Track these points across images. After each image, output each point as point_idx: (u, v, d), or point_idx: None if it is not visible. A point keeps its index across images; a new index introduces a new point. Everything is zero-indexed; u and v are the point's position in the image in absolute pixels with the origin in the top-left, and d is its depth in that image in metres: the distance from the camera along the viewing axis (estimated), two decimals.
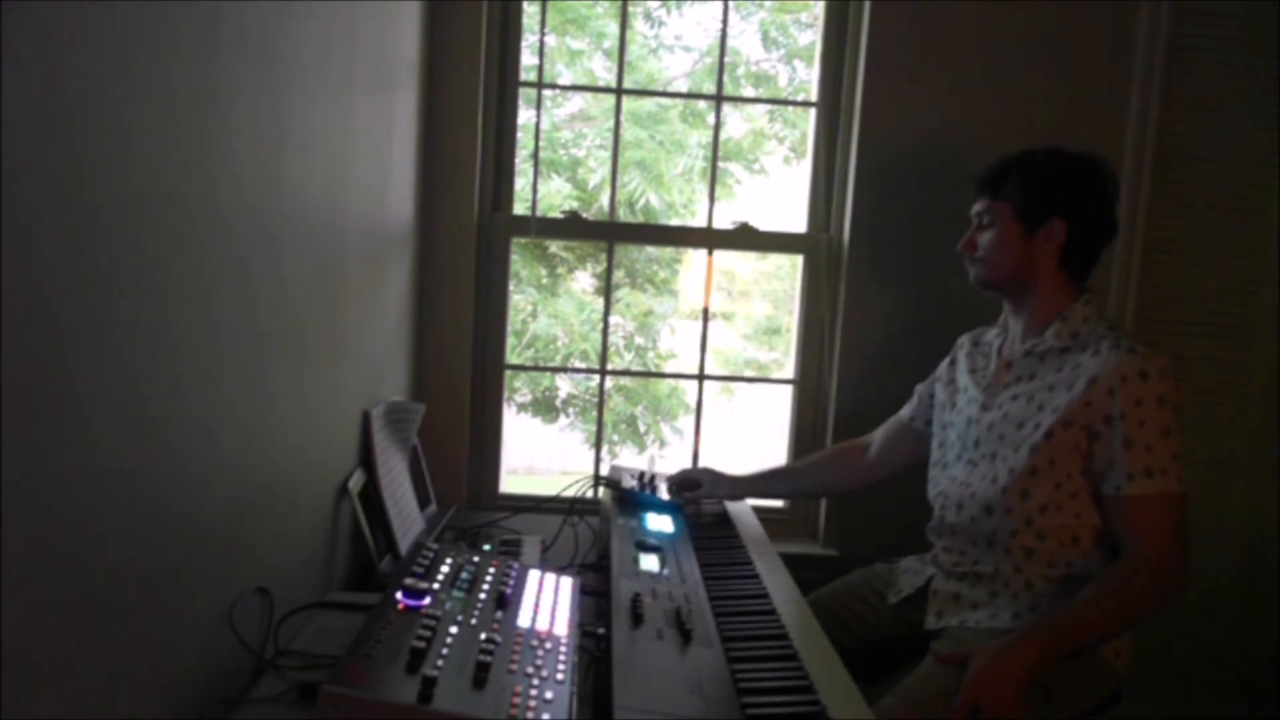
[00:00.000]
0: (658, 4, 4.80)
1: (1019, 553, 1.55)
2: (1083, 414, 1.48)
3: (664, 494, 1.95)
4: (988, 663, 1.34)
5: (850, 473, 1.95)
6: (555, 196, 4.75)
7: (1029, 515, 1.53)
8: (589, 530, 1.98)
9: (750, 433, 5.18)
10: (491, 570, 1.29)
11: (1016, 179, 1.59)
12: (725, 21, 2.40)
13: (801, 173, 2.50)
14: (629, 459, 5.05)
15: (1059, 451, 1.50)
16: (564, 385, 5.22)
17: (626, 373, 5.37)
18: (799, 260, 2.41)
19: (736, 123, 4.99)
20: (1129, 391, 1.45)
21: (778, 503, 2.41)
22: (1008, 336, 1.68)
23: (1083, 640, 1.42)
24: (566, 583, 1.34)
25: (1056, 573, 1.53)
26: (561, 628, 1.19)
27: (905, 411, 1.89)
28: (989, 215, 1.62)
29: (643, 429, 5.14)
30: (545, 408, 5.21)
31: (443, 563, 1.26)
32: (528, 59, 2.41)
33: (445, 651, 1.02)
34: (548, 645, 1.12)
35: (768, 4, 4.76)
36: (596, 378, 2.84)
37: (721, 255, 3.20)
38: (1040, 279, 1.59)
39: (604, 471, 2.18)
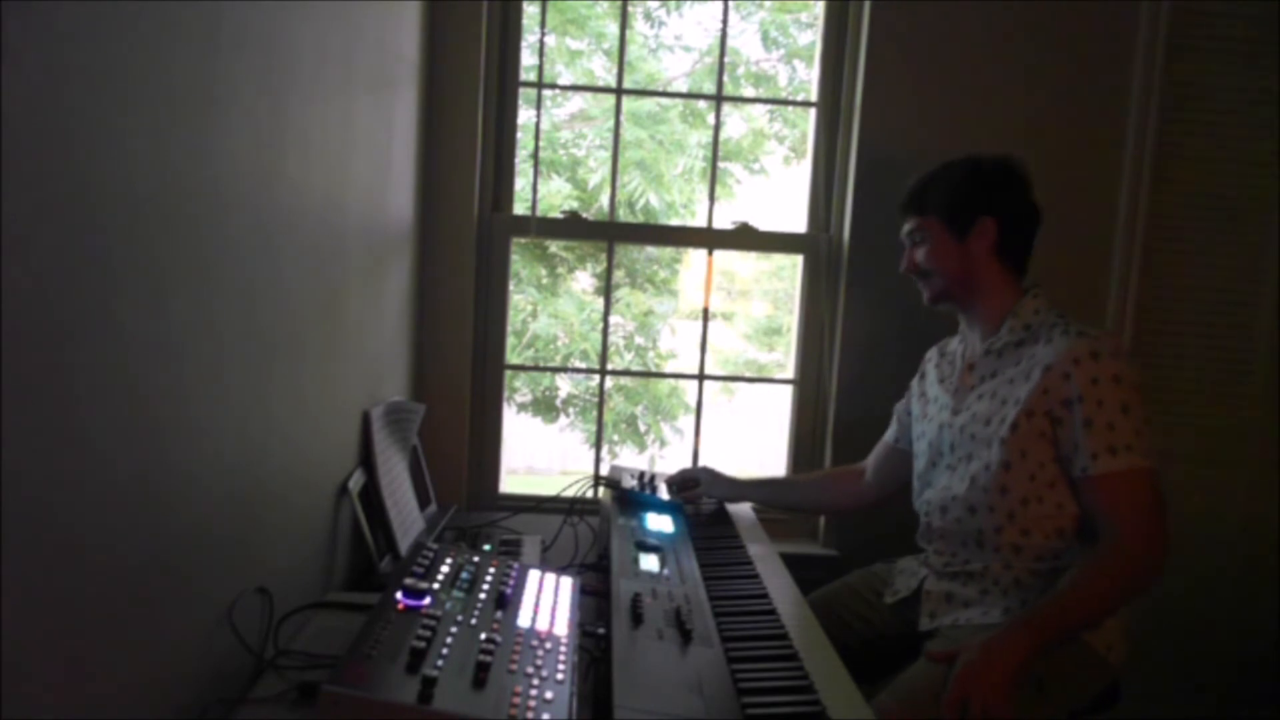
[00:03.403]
0: (658, 4, 4.81)
1: (1007, 549, 1.56)
2: (1042, 401, 1.50)
3: (664, 494, 1.95)
4: (974, 657, 1.34)
5: (848, 494, 1.98)
6: (555, 196, 4.75)
7: (1011, 510, 1.54)
8: (589, 530, 1.98)
9: (750, 433, 5.18)
10: (491, 570, 1.29)
11: (937, 191, 1.66)
12: (725, 21, 2.40)
13: (801, 173, 2.50)
14: (629, 459, 5.05)
15: (1027, 442, 1.52)
16: (564, 385, 5.22)
17: (626, 373, 5.37)
18: (799, 260, 2.41)
19: (736, 123, 5.00)
20: (1082, 373, 1.47)
21: None
22: (968, 344, 1.72)
23: (1070, 627, 1.41)
24: (566, 583, 1.33)
25: (1044, 566, 1.54)
26: (561, 628, 1.19)
27: (889, 435, 1.92)
28: (919, 233, 1.68)
29: (643, 429, 5.14)
30: (545, 408, 5.21)
31: (443, 563, 1.26)
32: (528, 59, 2.41)
33: (445, 651, 1.02)
34: (548, 645, 1.12)
35: (768, 4, 4.76)
36: (596, 378, 2.84)
37: (721, 255, 3.20)
38: (983, 279, 1.63)
39: (604, 471, 2.18)
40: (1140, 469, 1.44)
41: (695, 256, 4.85)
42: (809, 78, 4.20)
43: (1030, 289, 1.64)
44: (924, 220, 1.66)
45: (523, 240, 2.48)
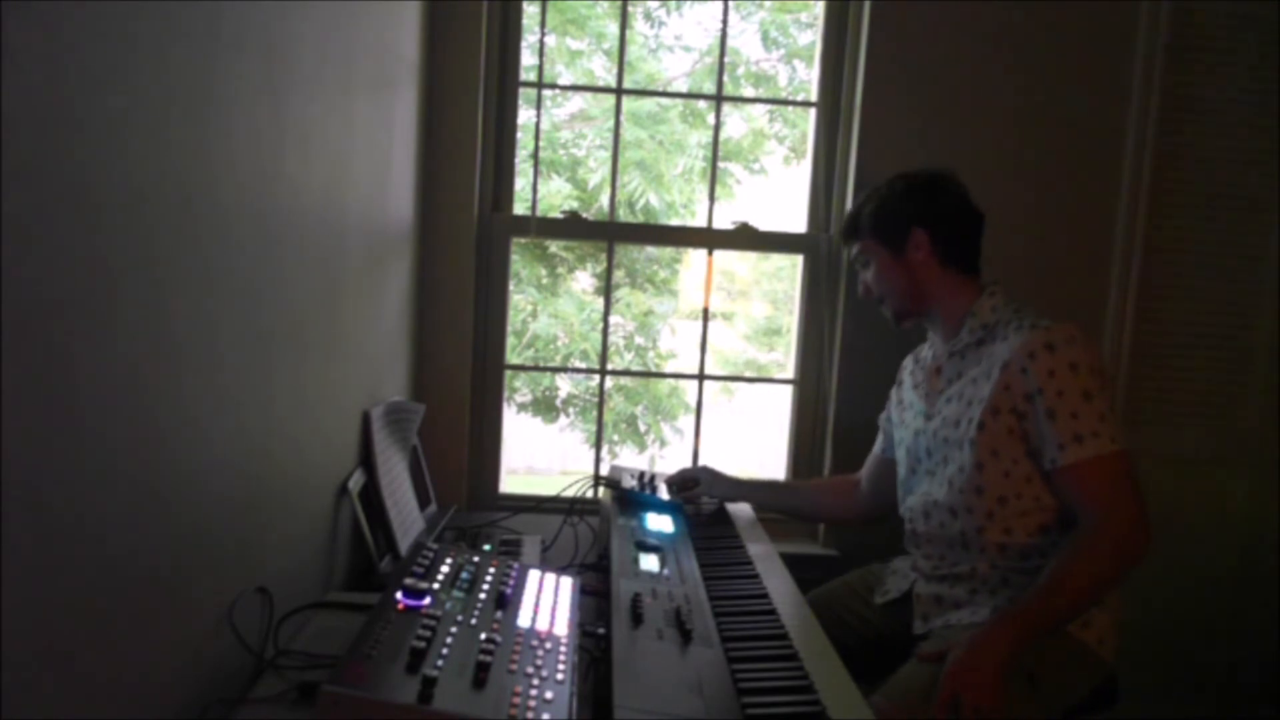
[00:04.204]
0: (658, 4, 4.81)
1: (992, 549, 1.56)
2: (1005, 398, 1.51)
3: (664, 494, 1.95)
4: (963, 654, 1.35)
5: (845, 504, 1.99)
6: (555, 196, 4.75)
7: (989, 509, 1.55)
8: (589, 530, 1.98)
9: (750, 433, 5.19)
10: (491, 570, 1.29)
11: (865, 215, 1.72)
12: (725, 21, 2.40)
13: (801, 173, 2.50)
14: (629, 459, 5.05)
15: (997, 440, 1.53)
16: (564, 385, 5.22)
17: (626, 373, 5.37)
18: (799, 260, 2.41)
19: (736, 123, 5.00)
20: (1039, 366, 1.48)
21: None
22: (935, 347, 1.74)
23: (1055, 615, 1.41)
24: (566, 583, 1.34)
25: (1030, 565, 1.54)
26: (561, 628, 1.19)
27: (877, 446, 1.93)
28: (861, 257, 1.74)
29: (643, 429, 5.15)
30: (545, 408, 5.22)
31: (443, 563, 1.26)
32: (528, 59, 2.41)
33: (445, 651, 1.02)
34: (548, 645, 1.12)
35: (768, 4, 4.77)
36: (596, 378, 2.84)
37: (721, 255, 3.20)
38: (933, 287, 1.66)
39: (604, 471, 2.18)
40: (1108, 454, 1.44)
41: (695, 256, 4.85)
42: (809, 78, 4.21)
43: (987, 286, 1.66)
44: (862, 244, 1.73)
45: (523, 240, 2.48)
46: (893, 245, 1.67)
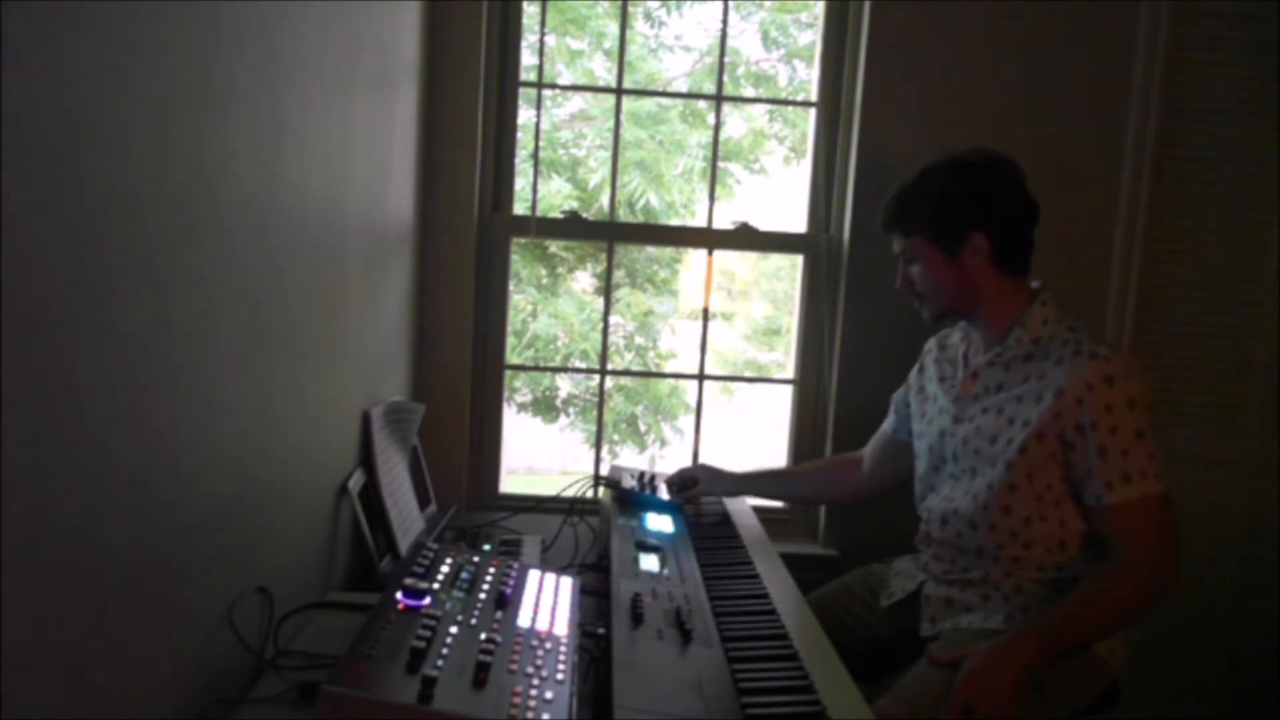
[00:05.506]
0: (658, 4, 4.80)
1: (1007, 560, 1.55)
2: (1054, 425, 1.47)
3: (664, 494, 1.95)
4: (979, 663, 1.34)
5: (845, 484, 1.96)
6: (555, 196, 4.75)
7: (1013, 529, 1.53)
8: (589, 530, 1.98)
9: (750, 433, 5.19)
10: (491, 570, 1.29)
11: (918, 210, 1.57)
12: (725, 21, 2.40)
13: (801, 173, 2.50)
14: (629, 459, 5.05)
15: (1036, 465, 1.49)
16: (564, 385, 5.22)
17: (626, 373, 5.37)
18: (799, 260, 2.41)
19: (736, 123, 5.00)
20: (1096, 399, 1.43)
21: (777, 503, 2.41)
22: (971, 343, 1.66)
23: (1075, 639, 1.42)
24: (566, 583, 1.34)
25: (1046, 575, 1.53)
26: (561, 628, 1.19)
27: (887, 425, 1.89)
28: (909, 252, 1.60)
29: (643, 429, 5.14)
30: (545, 408, 5.21)
31: (443, 563, 1.26)
32: (528, 59, 2.41)
33: (445, 651, 1.02)
34: (548, 645, 1.12)
35: (768, 4, 4.76)
36: (596, 378, 2.84)
37: (721, 255, 3.20)
38: (985, 291, 1.56)
39: (604, 471, 2.18)
40: (1153, 494, 1.43)
41: (695, 256, 4.85)
42: (809, 78, 4.20)
43: (1039, 294, 1.57)
44: (908, 240, 1.59)
45: (523, 240, 2.48)
46: (948, 248, 1.55)
